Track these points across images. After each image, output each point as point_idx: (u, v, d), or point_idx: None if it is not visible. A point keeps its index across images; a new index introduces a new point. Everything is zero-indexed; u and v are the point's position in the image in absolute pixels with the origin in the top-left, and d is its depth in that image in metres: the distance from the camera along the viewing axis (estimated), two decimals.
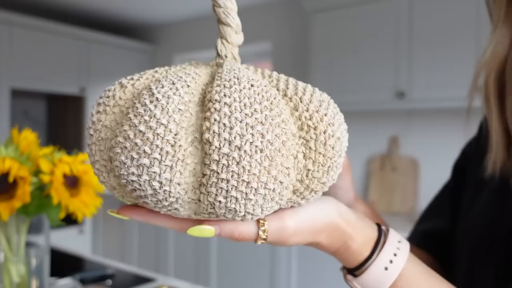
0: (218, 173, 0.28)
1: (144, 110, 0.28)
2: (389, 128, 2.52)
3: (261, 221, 0.33)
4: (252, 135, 0.28)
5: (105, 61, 3.34)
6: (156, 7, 3.20)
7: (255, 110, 0.29)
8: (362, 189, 2.62)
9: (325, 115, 0.31)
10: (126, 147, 0.28)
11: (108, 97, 0.32)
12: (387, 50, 2.23)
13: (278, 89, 0.33)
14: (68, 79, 3.13)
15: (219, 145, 0.28)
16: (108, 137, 0.30)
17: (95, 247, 3.34)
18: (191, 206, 0.30)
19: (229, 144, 0.28)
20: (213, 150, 0.28)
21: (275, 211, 0.33)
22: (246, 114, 0.28)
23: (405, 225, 2.07)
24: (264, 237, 0.33)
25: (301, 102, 0.32)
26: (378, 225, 0.39)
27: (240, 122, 0.28)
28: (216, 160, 0.28)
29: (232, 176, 0.28)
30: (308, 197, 0.33)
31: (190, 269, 2.78)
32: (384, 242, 0.38)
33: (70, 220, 0.77)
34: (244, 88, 0.30)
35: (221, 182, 0.28)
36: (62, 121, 3.40)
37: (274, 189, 0.29)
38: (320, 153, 0.31)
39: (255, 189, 0.29)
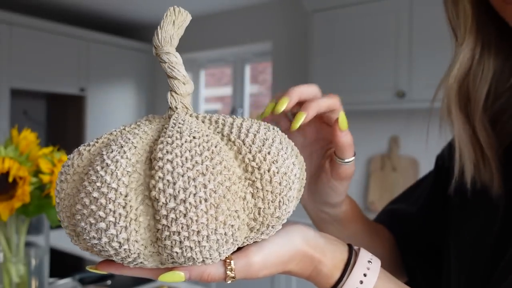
0: (168, 226, 0.30)
1: (96, 177, 0.31)
2: (389, 128, 2.52)
3: (227, 261, 0.34)
4: (195, 186, 0.30)
5: (105, 61, 3.33)
6: (156, 7, 3.20)
7: (196, 162, 0.31)
8: (362, 189, 2.62)
9: (268, 153, 0.33)
10: (84, 214, 0.31)
11: (68, 165, 0.34)
12: (387, 50, 2.23)
13: (222, 135, 0.34)
14: (68, 79, 3.13)
15: (166, 200, 0.30)
16: (70, 204, 0.32)
17: None
18: (155, 258, 0.32)
19: (174, 199, 0.30)
20: (161, 206, 0.30)
21: (242, 248, 0.35)
22: (187, 168, 0.30)
23: None
24: (232, 275, 0.34)
25: (243, 144, 0.33)
26: (349, 246, 0.40)
27: (182, 176, 0.30)
28: (165, 215, 0.30)
29: (182, 228, 0.30)
30: (267, 232, 0.34)
31: None
32: (355, 263, 0.39)
33: None
34: (185, 141, 0.32)
35: (173, 234, 0.30)
36: (61, 121, 3.40)
37: (225, 233, 0.31)
38: (267, 190, 0.32)
39: (207, 236, 0.30)
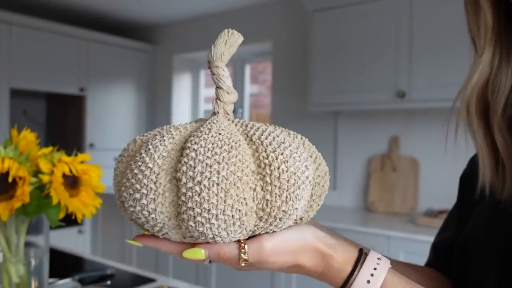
0: (186, 202, 0.37)
1: (139, 158, 0.39)
2: (390, 128, 2.51)
3: (242, 244, 0.40)
4: (210, 172, 0.37)
5: (105, 61, 3.33)
6: (156, 7, 3.19)
7: (215, 153, 0.37)
8: (362, 189, 2.62)
9: (281, 154, 0.39)
10: (126, 186, 0.39)
11: (125, 149, 0.43)
12: (387, 49, 2.23)
13: (247, 135, 0.41)
14: (67, 79, 3.13)
15: (186, 181, 0.37)
16: (120, 179, 0.41)
17: (95, 247, 3.34)
18: (177, 231, 0.39)
19: (193, 180, 0.37)
20: (182, 185, 0.37)
21: (255, 236, 0.40)
22: (207, 156, 0.37)
23: (405, 225, 2.07)
24: (246, 257, 0.39)
25: (261, 144, 0.39)
26: (359, 247, 0.44)
27: (201, 162, 0.37)
28: (184, 192, 0.37)
29: (196, 204, 0.37)
30: (276, 223, 0.39)
31: (189, 269, 2.78)
32: (365, 259, 0.42)
33: (69, 220, 0.77)
34: (211, 136, 0.39)
35: (189, 210, 0.37)
36: (61, 121, 3.40)
37: (232, 215, 0.37)
38: (275, 185, 0.38)
39: (215, 215, 0.37)
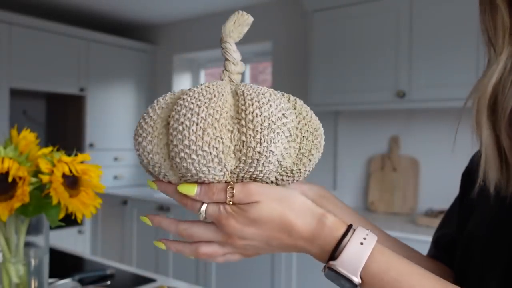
0: (172, 141, 0.43)
1: (146, 111, 0.47)
2: (390, 128, 2.51)
3: (229, 185, 0.44)
4: (191, 114, 0.42)
5: (104, 61, 3.33)
6: (156, 7, 3.19)
7: (199, 100, 0.43)
8: (362, 189, 2.62)
9: (258, 101, 0.43)
10: (135, 134, 0.47)
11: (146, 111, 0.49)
12: (387, 50, 2.23)
13: (235, 91, 0.46)
14: (67, 79, 3.12)
15: (173, 123, 0.43)
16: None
17: (95, 247, 3.33)
18: (174, 172, 0.45)
19: (177, 121, 0.43)
20: (170, 127, 0.43)
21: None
22: (191, 103, 0.43)
23: (405, 225, 2.07)
24: (230, 194, 0.43)
25: (242, 95, 0.44)
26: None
27: (185, 107, 0.43)
28: (171, 132, 0.43)
29: (179, 142, 0.42)
30: (254, 165, 0.43)
31: (189, 269, 2.78)
32: (354, 229, 0.43)
33: (69, 220, 0.77)
34: (201, 89, 0.45)
35: (175, 147, 0.43)
36: (61, 121, 3.40)
37: (210, 152, 0.42)
38: (249, 127, 0.42)
39: (195, 151, 0.42)
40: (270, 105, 0.43)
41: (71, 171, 0.72)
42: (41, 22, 2.96)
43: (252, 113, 0.43)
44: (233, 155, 0.43)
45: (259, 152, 0.42)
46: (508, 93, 0.48)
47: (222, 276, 2.61)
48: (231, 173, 0.44)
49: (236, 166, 0.43)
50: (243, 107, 0.43)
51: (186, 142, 0.42)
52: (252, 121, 0.42)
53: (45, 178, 0.69)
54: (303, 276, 2.23)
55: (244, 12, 0.52)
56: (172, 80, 3.56)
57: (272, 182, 0.46)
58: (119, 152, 3.39)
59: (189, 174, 0.44)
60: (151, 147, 0.44)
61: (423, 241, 1.84)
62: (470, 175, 0.58)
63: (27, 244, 0.76)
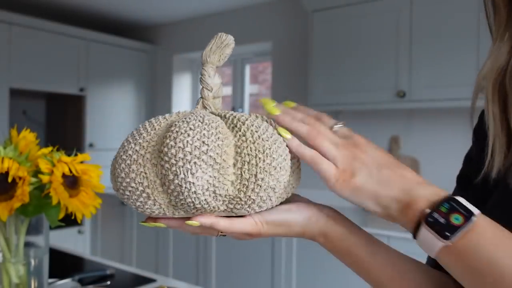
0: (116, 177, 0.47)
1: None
2: (390, 128, 2.51)
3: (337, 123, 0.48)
4: (123, 151, 0.46)
5: (104, 61, 3.33)
6: (156, 7, 3.19)
7: (132, 136, 0.47)
8: None
9: (176, 132, 0.43)
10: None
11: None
12: (387, 49, 2.23)
13: (170, 124, 0.46)
14: (67, 79, 3.12)
15: (115, 159, 0.48)
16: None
17: (95, 247, 3.33)
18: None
19: (115, 157, 0.47)
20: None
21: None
22: (126, 139, 0.47)
23: None
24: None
25: (171, 127, 0.45)
26: None
27: (122, 143, 0.47)
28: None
29: (117, 177, 0.46)
30: (181, 197, 0.43)
31: (189, 269, 2.78)
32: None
33: (69, 220, 0.77)
34: (145, 123, 0.47)
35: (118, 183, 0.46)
36: (61, 121, 3.40)
37: (137, 188, 0.44)
38: (166, 160, 0.42)
39: (126, 187, 0.45)
40: (188, 134, 0.42)
41: (71, 171, 0.71)
42: (41, 22, 2.96)
43: (168, 145, 0.42)
44: (161, 189, 0.43)
45: (179, 185, 0.42)
46: None
47: (222, 276, 2.61)
48: (168, 206, 0.44)
49: (170, 200, 0.44)
50: (164, 140, 0.43)
51: (119, 179, 0.44)
52: (167, 153, 0.42)
53: (45, 178, 0.69)
54: (303, 277, 2.23)
55: (223, 33, 0.51)
56: (172, 80, 3.56)
57: (225, 210, 0.44)
58: None
59: (133, 207, 0.46)
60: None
61: None
62: (465, 177, 0.58)
63: (27, 244, 0.76)
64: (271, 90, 3.04)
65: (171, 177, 0.42)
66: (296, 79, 2.89)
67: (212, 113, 0.48)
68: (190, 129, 0.43)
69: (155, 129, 0.45)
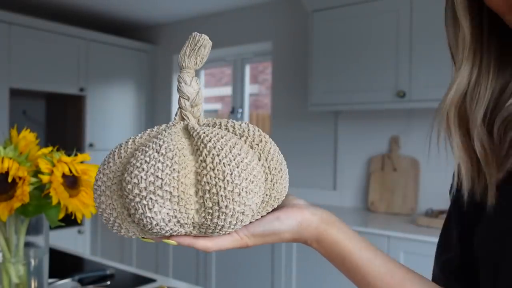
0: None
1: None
2: (390, 128, 2.51)
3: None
4: (95, 180, 0.46)
5: (104, 61, 3.33)
6: (156, 7, 3.19)
7: (102, 164, 0.46)
8: (362, 189, 2.61)
9: (132, 165, 0.43)
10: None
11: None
12: (387, 50, 2.23)
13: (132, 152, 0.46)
14: (67, 79, 3.12)
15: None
16: None
17: (94, 247, 3.33)
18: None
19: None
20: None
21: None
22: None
23: (405, 226, 2.07)
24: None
25: (130, 158, 0.45)
26: None
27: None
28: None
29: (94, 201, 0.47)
30: (146, 229, 0.43)
31: (189, 269, 2.78)
32: None
33: (69, 220, 0.77)
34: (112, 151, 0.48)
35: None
36: (61, 121, 3.40)
37: (109, 218, 0.45)
38: (125, 196, 0.43)
39: (101, 215, 0.46)
40: (143, 169, 0.41)
41: (71, 171, 0.71)
42: (41, 22, 2.96)
43: (126, 180, 0.42)
44: (130, 219, 0.44)
45: (140, 219, 0.42)
46: (477, 104, 0.49)
47: (222, 276, 2.61)
48: (140, 232, 0.45)
49: (140, 229, 0.44)
50: (124, 173, 0.43)
51: (96, 205, 0.46)
52: (125, 188, 0.42)
53: (45, 178, 0.69)
54: (303, 277, 2.23)
55: (197, 33, 0.47)
56: (172, 80, 3.56)
57: (199, 233, 0.44)
58: None
59: (113, 230, 0.47)
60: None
61: (423, 241, 1.84)
62: (457, 191, 0.57)
63: (27, 244, 0.76)
64: (271, 90, 3.04)
65: (132, 211, 0.42)
66: (296, 79, 2.89)
67: (185, 127, 0.46)
68: (146, 161, 0.41)
69: (121, 157, 0.44)
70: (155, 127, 0.48)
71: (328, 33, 2.42)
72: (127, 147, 0.45)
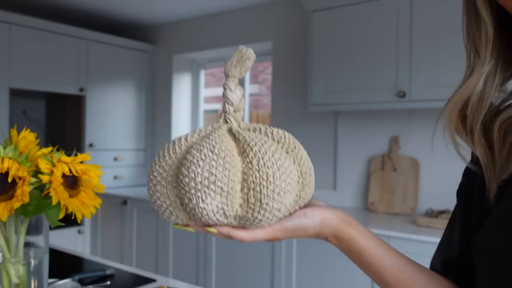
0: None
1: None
2: (390, 128, 2.51)
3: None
4: (150, 172, 0.53)
5: (104, 61, 3.33)
6: (156, 7, 3.19)
7: (158, 158, 0.53)
8: (362, 189, 2.61)
9: (189, 162, 0.50)
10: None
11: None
12: (387, 49, 2.23)
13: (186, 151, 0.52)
14: (67, 79, 3.12)
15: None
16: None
17: (94, 247, 3.33)
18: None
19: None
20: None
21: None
22: (153, 162, 0.54)
23: (405, 225, 2.07)
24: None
25: (186, 154, 0.51)
26: None
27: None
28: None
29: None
30: (196, 218, 0.50)
31: (189, 269, 2.78)
32: None
33: (69, 220, 0.77)
34: (167, 145, 0.54)
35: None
36: (61, 121, 3.40)
37: (162, 205, 0.52)
38: (181, 187, 0.50)
39: (153, 203, 0.53)
40: (199, 165, 0.48)
41: (71, 171, 0.71)
42: (41, 22, 2.96)
43: (183, 173, 0.48)
44: (181, 207, 0.50)
45: (193, 208, 0.48)
46: (486, 105, 0.49)
47: (222, 276, 2.61)
48: (189, 219, 0.51)
49: (189, 216, 0.51)
50: (180, 167, 0.49)
51: (150, 193, 0.52)
52: (182, 181, 0.48)
53: (45, 178, 0.69)
54: (303, 278, 2.23)
55: (244, 47, 0.54)
56: (172, 80, 3.56)
57: (238, 224, 0.51)
58: (119, 152, 3.39)
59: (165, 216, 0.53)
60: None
61: (423, 241, 1.84)
62: (465, 191, 0.57)
63: (27, 244, 0.76)
64: (271, 90, 3.04)
65: (186, 200, 0.48)
66: (296, 78, 2.89)
67: (230, 130, 0.53)
68: (201, 159, 0.48)
69: (176, 153, 0.51)
70: (202, 127, 0.54)
71: (328, 33, 2.42)
72: (181, 144, 0.51)
